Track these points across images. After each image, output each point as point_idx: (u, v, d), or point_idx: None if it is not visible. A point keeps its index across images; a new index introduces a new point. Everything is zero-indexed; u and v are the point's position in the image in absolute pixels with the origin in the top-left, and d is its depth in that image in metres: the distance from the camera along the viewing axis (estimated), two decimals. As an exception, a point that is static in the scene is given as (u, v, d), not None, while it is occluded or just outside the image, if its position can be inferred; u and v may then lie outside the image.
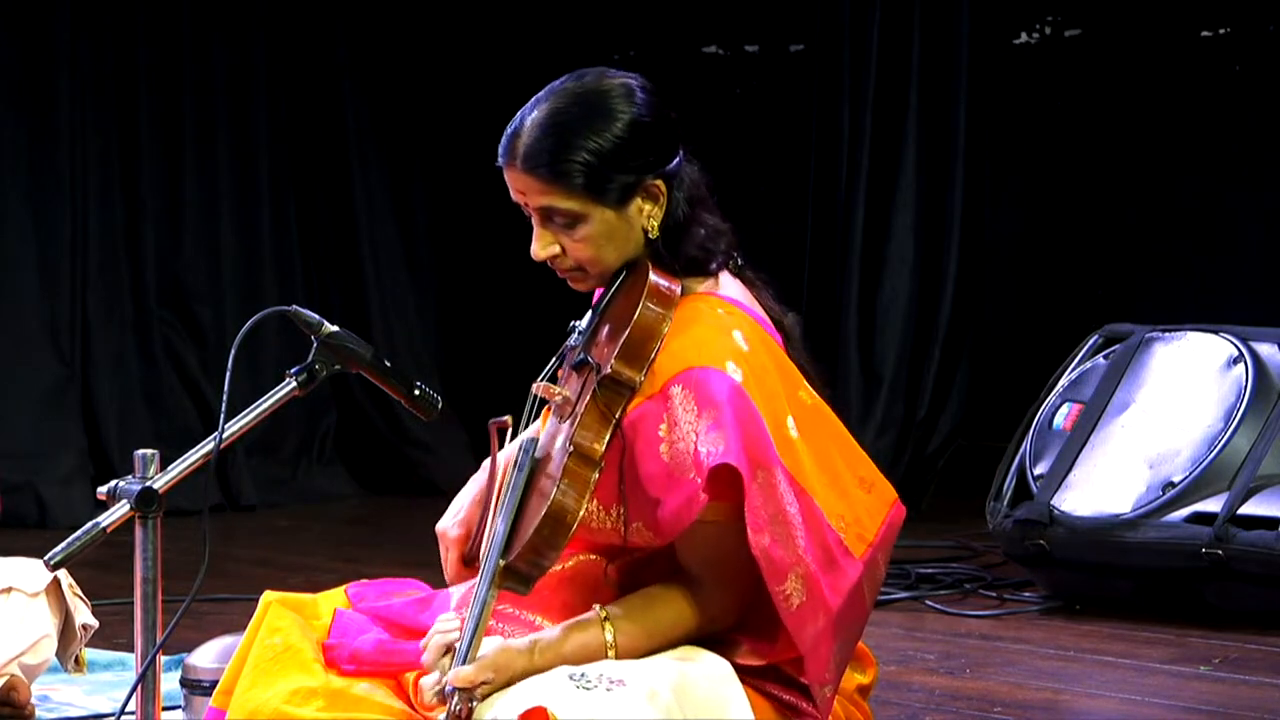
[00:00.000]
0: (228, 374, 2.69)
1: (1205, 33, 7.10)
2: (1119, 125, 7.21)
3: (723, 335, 2.66)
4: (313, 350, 2.79)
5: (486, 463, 2.82)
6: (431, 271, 7.80)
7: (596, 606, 2.66)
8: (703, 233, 2.73)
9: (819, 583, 2.60)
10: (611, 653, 2.62)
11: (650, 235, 2.71)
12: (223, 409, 2.72)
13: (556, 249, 2.71)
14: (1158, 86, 7.13)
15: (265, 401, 2.75)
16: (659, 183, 2.70)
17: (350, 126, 7.54)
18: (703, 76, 7.90)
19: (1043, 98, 7.39)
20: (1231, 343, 5.04)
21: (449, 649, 2.59)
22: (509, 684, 2.57)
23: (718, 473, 2.55)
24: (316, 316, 2.79)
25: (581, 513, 2.56)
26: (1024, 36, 7.48)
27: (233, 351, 2.72)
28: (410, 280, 7.73)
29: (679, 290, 2.69)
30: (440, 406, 2.85)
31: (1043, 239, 7.46)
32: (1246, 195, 6.96)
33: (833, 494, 2.67)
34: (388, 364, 2.83)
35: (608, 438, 2.61)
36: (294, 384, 2.76)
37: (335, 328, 2.80)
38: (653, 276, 2.67)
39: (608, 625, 2.63)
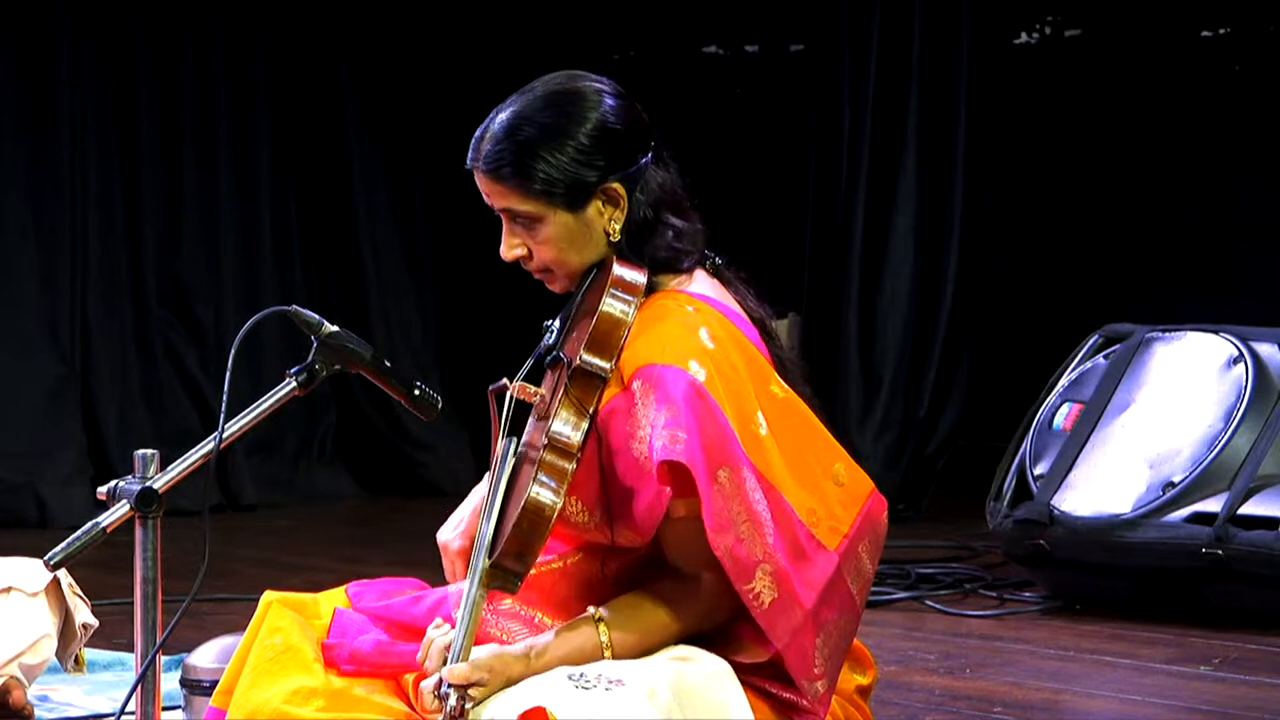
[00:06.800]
0: (228, 374, 2.70)
1: (1205, 33, 7.10)
2: (1119, 125, 7.21)
3: (688, 334, 2.67)
4: (313, 350, 2.79)
5: (488, 476, 2.83)
6: (431, 271, 7.81)
7: (591, 608, 2.67)
8: (670, 234, 2.75)
9: (790, 578, 2.60)
10: (608, 653, 2.63)
11: (612, 238, 2.73)
12: (223, 409, 2.72)
13: (522, 250, 2.75)
14: (1158, 86, 7.13)
15: (265, 401, 2.75)
16: (618, 186, 2.72)
17: (350, 126, 7.54)
18: (703, 76, 7.90)
19: (1043, 98, 7.39)
20: (1231, 343, 5.04)
21: (448, 650, 2.59)
22: (505, 687, 2.57)
23: (678, 469, 2.56)
24: (316, 316, 2.79)
25: (560, 505, 2.57)
26: (1024, 36, 7.49)
27: (233, 351, 2.72)
28: (410, 280, 7.74)
29: (644, 279, 2.70)
30: (440, 406, 2.86)
31: (1043, 239, 7.46)
32: (1247, 195, 6.97)
33: (803, 489, 2.68)
34: (388, 364, 2.84)
35: (585, 429, 2.62)
36: (294, 384, 2.76)
37: (335, 328, 2.80)
38: (616, 268, 2.69)
39: (602, 627, 2.64)
